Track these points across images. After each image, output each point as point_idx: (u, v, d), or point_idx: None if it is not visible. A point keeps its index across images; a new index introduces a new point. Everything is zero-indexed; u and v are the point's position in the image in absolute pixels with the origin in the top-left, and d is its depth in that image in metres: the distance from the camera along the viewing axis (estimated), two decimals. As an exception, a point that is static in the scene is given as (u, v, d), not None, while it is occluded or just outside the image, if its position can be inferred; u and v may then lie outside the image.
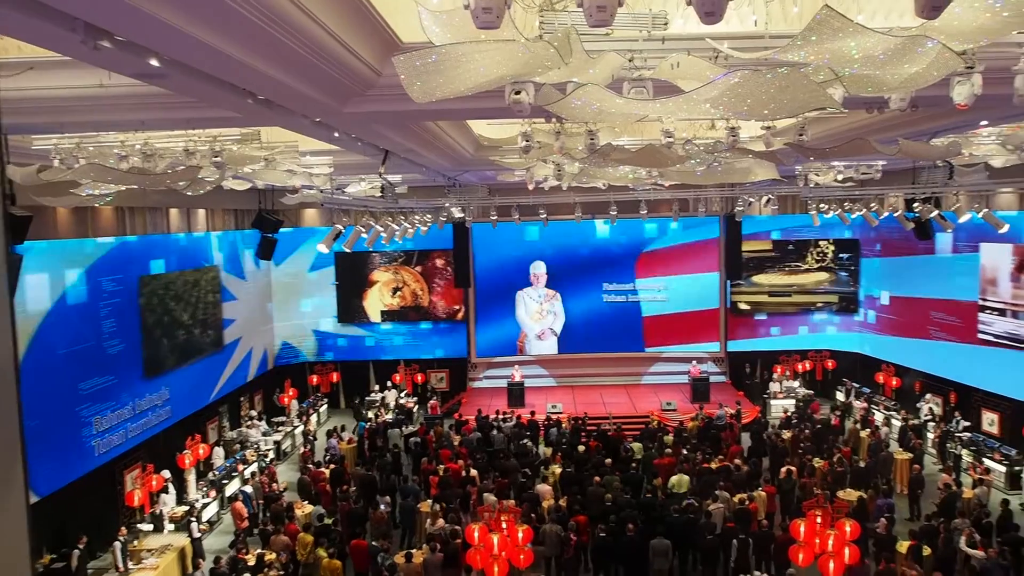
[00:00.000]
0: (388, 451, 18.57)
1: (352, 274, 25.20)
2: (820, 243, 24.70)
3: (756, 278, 25.14)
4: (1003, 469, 16.92)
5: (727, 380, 25.47)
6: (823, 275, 24.86)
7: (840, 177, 16.40)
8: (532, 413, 20.63)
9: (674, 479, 15.42)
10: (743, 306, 25.32)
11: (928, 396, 20.92)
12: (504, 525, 11.91)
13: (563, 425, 19.84)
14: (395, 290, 25.35)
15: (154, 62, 5.57)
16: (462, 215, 19.71)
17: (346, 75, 6.94)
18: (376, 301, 25.34)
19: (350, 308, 25.31)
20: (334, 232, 15.19)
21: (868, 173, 15.65)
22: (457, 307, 25.48)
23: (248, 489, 16.14)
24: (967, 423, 18.98)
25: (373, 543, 13.23)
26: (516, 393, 23.13)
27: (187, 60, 5.75)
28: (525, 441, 18.60)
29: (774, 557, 12.92)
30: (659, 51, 5.98)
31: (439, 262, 25.31)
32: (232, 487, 17.03)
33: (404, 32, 7.01)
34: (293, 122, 8.95)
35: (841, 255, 24.64)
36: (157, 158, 11.20)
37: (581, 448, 17.58)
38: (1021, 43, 6.08)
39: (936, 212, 15.48)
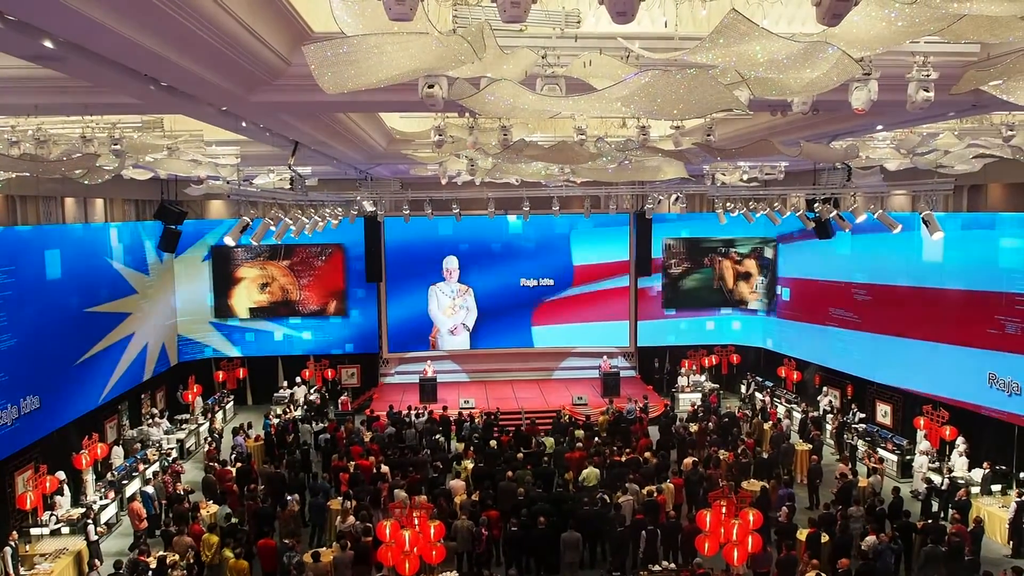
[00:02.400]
0: (298, 448, 18.25)
1: (218, 271, 24.41)
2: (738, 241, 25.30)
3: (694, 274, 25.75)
4: (895, 458, 17.76)
5: (637, 375, 25.94)
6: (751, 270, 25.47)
7: (745, 177, 16.88)
8: (444, 408, 20.60)
9: (585, 472, 15.61)
10: (687, 286, 25.79)
11: (826, 389, 21.81)
12: (416, 521, 11.86)
13: (475, 420, 19.86)
14: (263, 286, 24.73)
15: (48, 44, 5.30)
16: (374, 209, 19.48)
17: (254, 63, 6.75)
18: (244, 298, 24.63)
19: (219, 305, 24.61)
20: (241, 224, 14.79)
21: (772, 174, 16.15)
22: (329, 301, 25.04)
23: (149, 489, 15.58)
24: (863, 415, 19.85)
25: (284, 541, 12.99)
26: (428, 388, 23.05)
27: (84, 43, 5.49)
28: (437, 437, 18.54)
29: (681, 547, 13.25)
30: (572, 49, 6.03)
31: (308, 255, 24.77)
32: (132, 487, 16.44)
33: (315, 21, 6.87)
34: (198, 110, 8.67)
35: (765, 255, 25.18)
36: (51, 144, 10.72)
37: (493, 443, 17.63)
38: (914, 52, 6.37)
39: (835, 212, 16.10)
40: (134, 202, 20.96)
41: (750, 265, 25.38)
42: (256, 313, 24.73)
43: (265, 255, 24.49)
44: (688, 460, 16.65)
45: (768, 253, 24.80)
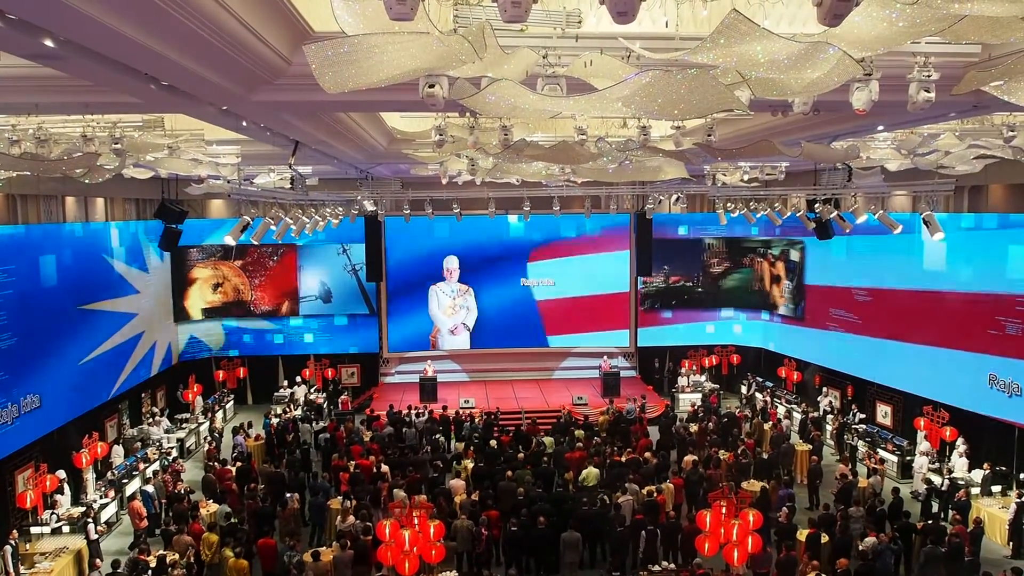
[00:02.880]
0: (298, 447, 18.24)
1: (174, 272, 24.15)
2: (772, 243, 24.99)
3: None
4: (895, 459, 17.75)
5: (637, 375, 25.93)
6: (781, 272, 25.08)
7: (746, 177, 16.87)
8: (444, 408, 20.59)
9: (585, 472, 15.61)
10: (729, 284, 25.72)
11: (826, 389, 21.79)
12: (415, 521, 11.86)
13: (476, 420, 19.86)
14: (216, 286, 24.59)
15: (49, 42, 5.30)
16: (375, 208, 19.47)
17: (254, 63, 6.75)
18: (197, 299, 24.46)
19: (176, 307, 24.35)
20: (241, 224, 14.77)
21: (772, 174, 16.13)
22: (282, 302, 24.93)
23: (149, 488, 15.59)
24: (863, 415, 19.84)
25: (284, 540, 12.97)
26: (428, 388, 23.06)
27: (85, 42, 5.48)
28: (437, 436, 18.54)
29: (681, 547, 13.24)
30: (572, 49, 6.02)
31: (260, 256, 24.62)
32: (133, 486, 16.44)
33: (316, 21, 6.87)
34: (198, 110, 8.67)
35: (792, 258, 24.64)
36: (52, 143, 10.71)
37: (493, 443, 17.63)
38: (916, 52, 6.36)
39: (835, 213, 16.08)
40: (135, 201, 20.96)
41: (781, 268, 24.77)
42: (209, 313, 24.57)
43: (218, 255, 24.36)
44: (688, 460, 16.65)
45: (795, 256, 23.96)
